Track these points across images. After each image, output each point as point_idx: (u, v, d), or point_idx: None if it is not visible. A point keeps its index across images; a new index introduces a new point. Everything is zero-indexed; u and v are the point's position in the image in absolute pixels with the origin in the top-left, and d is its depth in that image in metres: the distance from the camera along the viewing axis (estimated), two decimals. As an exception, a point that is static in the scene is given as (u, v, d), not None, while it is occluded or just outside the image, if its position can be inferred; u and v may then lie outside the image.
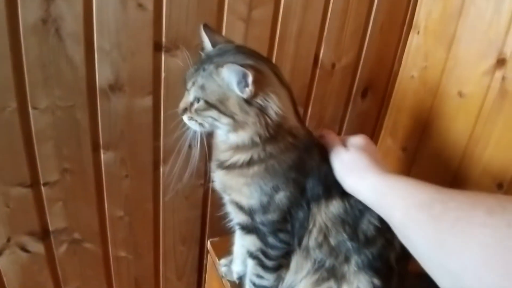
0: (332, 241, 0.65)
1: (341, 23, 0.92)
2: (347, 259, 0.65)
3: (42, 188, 0.80)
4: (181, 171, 0.89)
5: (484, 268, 0.34)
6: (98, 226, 0.90)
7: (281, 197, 0.63)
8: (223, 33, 0.81)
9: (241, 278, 0.81)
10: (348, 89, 1.03)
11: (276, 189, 0.62)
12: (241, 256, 0.80)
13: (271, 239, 0.66)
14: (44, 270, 0.91)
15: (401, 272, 0.69)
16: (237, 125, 0.59)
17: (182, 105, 0.63)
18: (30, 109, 0.72)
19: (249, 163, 0.62)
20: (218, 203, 0.75)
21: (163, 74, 0.79)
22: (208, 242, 0.93)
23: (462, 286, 0.36)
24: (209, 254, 0.93)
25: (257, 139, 0.59)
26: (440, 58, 0.93)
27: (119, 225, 0.92)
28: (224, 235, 0.88)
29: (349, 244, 0.64)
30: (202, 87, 0.59)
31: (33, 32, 0.67)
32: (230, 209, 0.70)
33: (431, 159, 0.98)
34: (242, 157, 0.62)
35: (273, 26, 0.86)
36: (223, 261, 0.84)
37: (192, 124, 0.63)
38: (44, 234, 0.86)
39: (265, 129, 0.59)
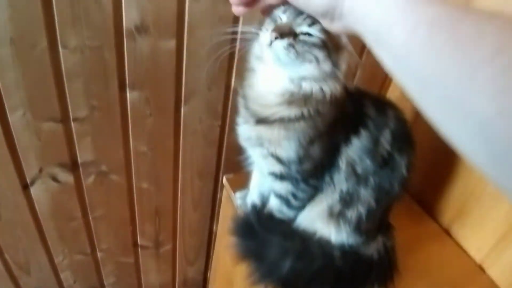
0: (359, 170, 0.68)
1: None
2: (365, 183, 0.70)
3: (72, 123, 0.86)
4: (200, 112, 0.95)
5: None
6: (123, 159, 0.96)
7: (315, 148, 0.65)
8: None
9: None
10: None
11: (311, 142, 0.64)
12: (257, 192, 0.85)
13: (302, 185, 0.71)
14: (73, 199, 0.99)
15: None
16: (327, 76, 0.58)
17: (282, 28, 0.55)
18: (60, 48, 0.75)
19: (298, 118, 0.62)
20: (233, 143, 0.78)
21: (186, 18, 0.80)
22: (224, 178, 1.00)
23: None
24: (224, 188, 1.01)
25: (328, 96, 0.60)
26: None
27: (143, 159, 0.98)
28: (237, 171, 0.95)
29: (370, 167, 0.68)
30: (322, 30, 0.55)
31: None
32: (265, 161, 0.70)
33: None
34: (293, 111, 0.62)
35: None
36: (238, 194, 0.92)
37: (282, 52, 0.55)
38: (73, 166, 0.93)
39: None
